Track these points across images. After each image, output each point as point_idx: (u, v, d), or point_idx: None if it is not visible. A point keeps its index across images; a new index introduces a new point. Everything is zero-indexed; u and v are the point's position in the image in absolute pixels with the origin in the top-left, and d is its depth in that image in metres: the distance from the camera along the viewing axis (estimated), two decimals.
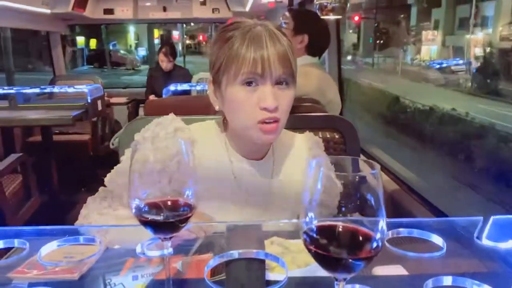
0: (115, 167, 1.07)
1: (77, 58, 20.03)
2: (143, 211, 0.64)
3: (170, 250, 0.68)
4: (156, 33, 24.61)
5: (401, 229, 0.79)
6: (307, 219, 0.54)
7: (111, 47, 23.52)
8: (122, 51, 24.52)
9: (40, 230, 0.84)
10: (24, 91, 3.46)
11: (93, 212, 1.03)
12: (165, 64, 4.82)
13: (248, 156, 1.08)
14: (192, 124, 1.11)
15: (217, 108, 1.04)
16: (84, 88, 3.43)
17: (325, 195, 0.54)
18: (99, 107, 3.51)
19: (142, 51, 26.49)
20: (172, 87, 3.21)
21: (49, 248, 0.77)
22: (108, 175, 1.07)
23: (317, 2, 1.96)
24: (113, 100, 4.92)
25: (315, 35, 2.21)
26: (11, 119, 3.13)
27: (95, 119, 3.89)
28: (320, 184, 0.54)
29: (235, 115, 1.00)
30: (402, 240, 0.77)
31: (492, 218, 0.79)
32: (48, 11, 4.21)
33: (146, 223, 0.65)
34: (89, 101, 3.37)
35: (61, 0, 4.22)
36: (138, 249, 0.75)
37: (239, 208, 1.06)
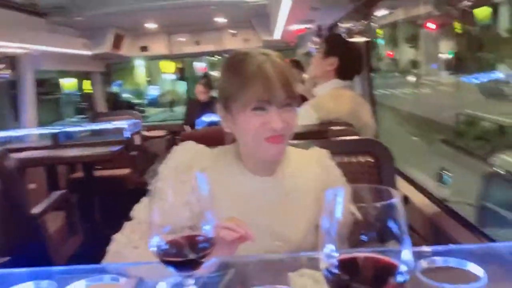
0: (142, 199, 1.08)
1: (61, 107, 14.93)
2: (163, 249, 0.64)
3: (194, 287, 0.67)
4: (171, 66, 22.61)
5: (436, 258, 0.74)
6: (327, 250, 0.51)
7: (115, 88, 17.66)
8: (124, 95, 20.00)
9: (69, 270, 0.84)
10: (66, 129, 3.60)
11: (127, 247, 1.03)
12: (202, 95, 4.95)
13: (260, 174, 1.14)
14: (211, 149, 1.18)
15: (228, 130, 1.12)
16: (123, 124, 3.53)
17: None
18: (137, 142, 3.60)
19: (155, 91, 21.93)
20: (205, 118, 3.26)
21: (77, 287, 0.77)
22: (135, 206, 1.08)
23: (342, 26, 1.95)
24: (151, 133, 5.04)
25: (346, 58, 2.19)
26: (54, 157, 3.26)
27: (134, 153, 3.99)
28: (339, 213, 0.52)
29: (246, 136, 1.08)
30: (438, 270, 0.72)
31: None
32: (89, 52, 4.44)
33: (167, 262, 0.64)
34: (127, 136, 3.47)
35: (100, 42, 4.45)
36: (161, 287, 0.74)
37: (253, 225, 1.04)
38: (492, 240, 1.29)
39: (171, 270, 0.64)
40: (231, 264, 0.91)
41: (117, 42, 4.65)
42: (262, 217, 1.11)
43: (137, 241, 1.03)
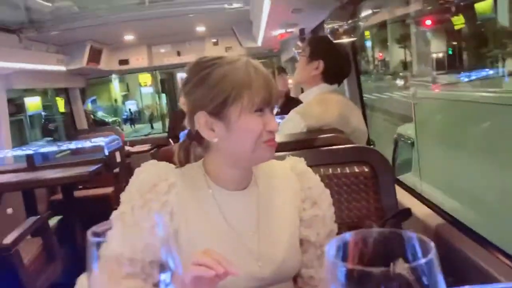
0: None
1: (24, 129, 13.07)
2: None
3: None
4: (148, 78, 19.36)
5: None
6: None
7: (89, 105, 16.43)
8: (100, 112, 18.13)
9: None
10: (41, 150, 3.43)
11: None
12: (186, 107, 4.78)
13: (231, 188, 1.07)
14: (175, 167, 1.11)
15: (215, 140, 1.03)
16: (101, 141, 3.37)
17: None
18: (118, 159, 3.43)
19: (132, 106, 20.26)
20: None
21: None
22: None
23: (327, 27, 1.83)
24: (135, 148, 4.88)
25: (331, 60, 2.06)
26: (30, 181, 3.08)
27: (117, 170, 3.82)
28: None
29: (245, 141, 1.02)
30: None
31: None
32: (63, 68, 4.27)
33: None
34: (106, 154, 3.30)
35: (75, 56, 4.28)
36: None
37: (231, 246, 1.02)
38: (504, 253, 1.16)
39: None
40: None
41: (95, 56, 4.49)
42: (238, 236, 1.02)
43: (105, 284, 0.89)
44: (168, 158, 1.15)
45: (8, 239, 2.27)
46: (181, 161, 1.12)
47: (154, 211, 0.62)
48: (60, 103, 13.60)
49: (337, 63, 2.10)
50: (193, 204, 1.04)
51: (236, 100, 1.00)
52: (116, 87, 21.33)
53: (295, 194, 1.12)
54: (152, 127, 17.14)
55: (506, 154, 3.02)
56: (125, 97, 21.55)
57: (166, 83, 21.08)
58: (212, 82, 1.02)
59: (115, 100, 21.43)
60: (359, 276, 0.34)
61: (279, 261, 1.03)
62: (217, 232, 1.03)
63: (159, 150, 2.10)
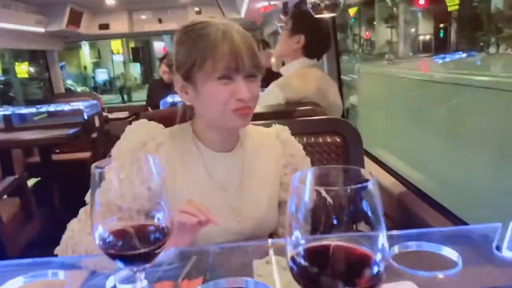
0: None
1: None
2: (108, 242, 0.56)
3: (145, 282, 0.60)
4: (117, 45, 17.64)
5: (409, 243, 0.69)
6: (293, 239, 0.45)
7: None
8: (68, 82, 15.50)
9: (8, 264, 0.75)
10: (19, 111, 3.41)
11: (81, 233, 0.99)
12: (167, 75, 4.74)
13: (218, 149, 1.11)
14: (165, 127, 1.14)
15: (188, 102, 1.09)
16: (80, 105, 3.37)
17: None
18: (97, 123, 3.44)
19: (103, 75, 18.38)
20: (169, 99, 3.13)
21: (14, 284, 0.68)
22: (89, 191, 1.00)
23: (309, 1, 1.88)
24: (113, 115, 4.86)
25: (312, 35, 2.12)
26: (7, 141, 3.07)
27: (94, 135, 3.83)
28: (308, 198, 0.45)
29: (211, 107, 1.04)
30: (411, 255, 0.68)
31: None
32: (42, 29, 4.18)
33: (113, 256, 0.56)
34: (85, 118, 3.31)
35: (55, 18, 4.20)
36: (109, 284, 0.67)
37: (215, 203, 1.07)
38: (461, 221, 1.28)
39: (118, 265, 0.57)
40: (192, 252, 0.85)
41: (75, 19, 4.40)
42: (222, 194, 1.09)
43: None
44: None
45: None
46: (181, 122, 1.17)
47: (142, 167, 0.68)
48: (19, 69, 12.89)
49: (318, 38, 2.16)
50: (180, 163, 1.08)
51: (201, 65, 1.00)
52: (86, 54, 19.73)
53: (277, 159, 1.17)
54: (123, 99, 15.63)
55: (424, 119, 3.56)
56: (96, 65, 19.77)
57: (140, 51, 19.87)
58: (186, 46, 1.04)
59: (85, 68, 19.86)
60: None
61: (257, 218, 1.10)
62: (202, 189, 1.07)
63: (140, 116, 2.14)
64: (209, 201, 1.03)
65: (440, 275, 0.62)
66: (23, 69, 13.57)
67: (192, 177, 1.08)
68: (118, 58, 19.47)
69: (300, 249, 0.46)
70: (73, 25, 4.38)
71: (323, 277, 0.44)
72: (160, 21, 5.09)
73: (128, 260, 0.57)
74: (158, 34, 5.96)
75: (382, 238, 0.45)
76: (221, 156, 1.11)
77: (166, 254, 0.80)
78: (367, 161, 1.70)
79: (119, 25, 5.02)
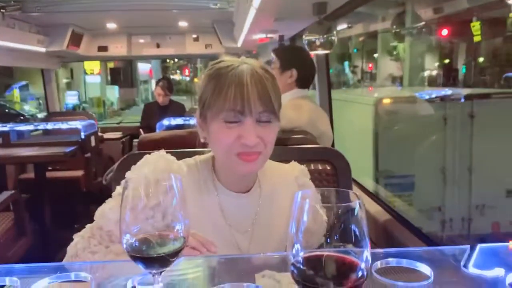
0: (106, 202, 1.07)
1: None
2: (134, 246, 0.65)
3: (161, 285, 0.69)
4: (92, 64, 14.66)
5: (390, 259, 0.80)
6: (294, 251, 0.56)
7: (14, 91, 12.46)
8: (26, 106, 12.83)
9: (31, 268, 0.84)
10: (17, 128, 3.47)
11: (84, 251, 1.02)
12: (161, 98, 4.86)
13: (234, 189, 1.11)
14: (181, 160, 1.14)
15: (202, 140, 1.09)
16: (77, 124, 3.45)
17: (312, 223, 0.55)
18: (93, 143, 3.52)
19: (73, 98, 13.87)
20: (165, 122, 3.24)
21: (40, 285, 0.76)
22: (98, 209, 1.07)
23: (305, 38, 2.02)
24: (107, 135, 4.93)
25: (302, 67, 2.27)
26: (4, 157, 3.13)
27: (88, 155, 3.90)
28: (306, 216, 0.56)
29: (217, 147, 1.04)
30: (391, 270, 0.78)
31: (478, 246, 0.80)
32: (43, 49, 4.29)
33: (136, 258, 0.65)
34: (82, 137, 3.39)
35: (56, 39, 4.32)
36: (129, 285, 0.76)
37: (225, 241, 1.07)
38: (437, 245, 1.39)
39: (140, 266, 0.66)
40: (198, 263, 0.93)
41: (75, 40, 4.53)
42: (232, 234, 1.10)
43: (94, 247, 1.03)
44: (151, 146, 1.26)
45: None
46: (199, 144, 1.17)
47: (148, 206, 0.65)
48: None
49: (307, 69, 2.31)
50: (195, 198, 1.07)
51: (210, 107, 1.01)
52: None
53: (292, 202, 1.20)
54: None
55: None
56: (68, 86, 16.53)
57: (121, 73, 17.49)
58: (204, 83, 1.05)
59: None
60: None
61: None
62: (213, 226, 1.07)
63: (139, 138, 2.24)
64: (218, 238, 1.01)
65: (415, 286, 0.73)
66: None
67: (205, 214, 1.08)
68: (95, 79, 16.82)
69: (299, 258, 0.56)
70: (74, 46, 4.50)
71: (318, 278, 0.54)
72: (158, 45, 5.24)
73: (149, 263, 0.66)
74: (155, 59, 6.07)
75: (366, 251, 0.55)
76: (237, 196, 1.10)
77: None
78: (355, 189, 1.80)
79: (117, 47, 5.15)
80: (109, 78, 18.38)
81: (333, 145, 2.41)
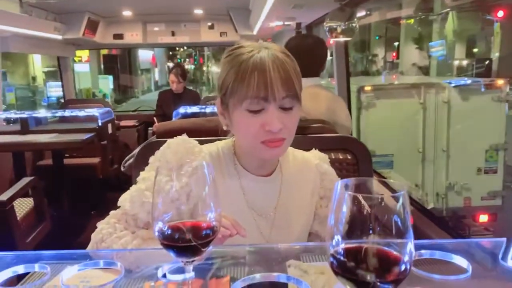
0: (131, 188, 1.06)
1: None
2: (166, 234, 0.64)
3: (192, 274, 0.68)
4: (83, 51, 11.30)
5: (423, 251, 0.78)
6: (334, 242, 0.54)
7: None
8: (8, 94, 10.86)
9: (59, 254, 0.83)
10: (35, 115, 3.50)
11: (111, 236, 1.00)
12: (175, 85, 4.85)
13: (256, 173, 1.11)
14: (203, 145, 1.14)
15: (225, 127, 1.08)
16: (95, 111, 3.46)
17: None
18: (109, 131, 3.54)
19: (56, 90, 10.40)
20: (181, 110, 3.23)
21: (70, 272, 0.76)
22: (123, 195, 1.05)
23: (327, 25, 1.99)
24: (123, 123, 4.96)
25: (313, 56, 2.23)
26: (23, 143, 3.16)
27: (104, 142, 3.92)
28: (346, 207, 0.54)
29: (241, 135, 1.05)
30: (424, 262, 0.76)
31: None
32: (60, 37, 4.31)
33: (168, 246, 0.64)
34: (100, 124, 3.40)
35: (73, 26, 4.33)
36: (160, 273, 0.75)
37: (247, 226, 1.04)
38: (463, 237, 1.36)
39: (171, 254, 0.65)
40: (220, 252, 0.92)
41: (92, 27, 4.54)
42: (254, 218, 1.10)
43: (121, 232, 1.02)
44: (169, 134, 1.25)
45: (4, 196, 2.37)
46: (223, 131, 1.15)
47: (173, 189, 0.65)
48: None
49: (319, 57, 2.26)
50: (218, 183, 1.09)
51: (232, 95, 0.99)
52: (37, 59, 13.09)
53: (314, 189, 1.16)
54: None
55: None
56: (51, 75, 12.86)
57: (117, 60, 14.79)
58: (224, 70, 1.02)
59: (33, 79, 13.57)
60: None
61: None
62: (235, 210, 1.04)
63: (154, 127, 2.23)
64: (240, 222, 1.01)
65: (452, 279, 0.71)
66: None
67: (228, 198, 1.05)
68: (82, 68, 13.82)
69: (339, 249, 0.54)
70: (90, 34, 4.51)
71: (359, 270, 0.52)
72: (173, 34, 5.23)
73: (181, 251, 0.65)
74: (170, 46, 6.07)
75: (410, 243, 0.53)
76: (259, 180, 1.11)
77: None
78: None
79: (133, 35, 5.15)
80: (101, 66, 15.98)
81: (352, 134, 2.38)
